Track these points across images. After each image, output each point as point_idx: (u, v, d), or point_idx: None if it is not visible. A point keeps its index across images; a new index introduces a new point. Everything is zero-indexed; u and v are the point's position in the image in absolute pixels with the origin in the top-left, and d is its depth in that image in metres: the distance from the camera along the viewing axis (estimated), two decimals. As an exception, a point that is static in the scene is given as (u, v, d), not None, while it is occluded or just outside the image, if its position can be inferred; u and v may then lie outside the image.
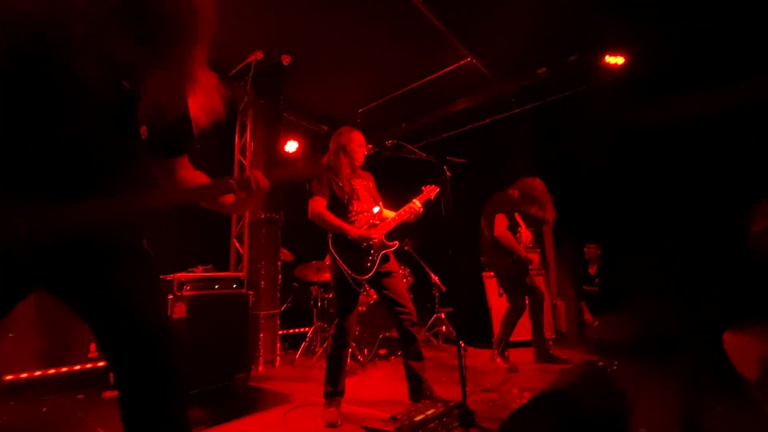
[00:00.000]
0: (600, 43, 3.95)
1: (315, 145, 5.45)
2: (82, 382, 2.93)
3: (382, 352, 3.80)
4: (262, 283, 3.73)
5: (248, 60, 3.93)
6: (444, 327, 4.42)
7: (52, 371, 2.87)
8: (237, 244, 4.05)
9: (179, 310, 2.63)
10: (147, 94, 0.99)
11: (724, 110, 3.18)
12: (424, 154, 2.08)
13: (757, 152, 3.06)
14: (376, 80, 4.71)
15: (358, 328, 3.53)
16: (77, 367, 3.00)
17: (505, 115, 4.71)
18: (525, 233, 3.36)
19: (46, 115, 0.89)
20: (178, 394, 0.98)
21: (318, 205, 2.25)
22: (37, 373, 2.82)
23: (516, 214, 3.38)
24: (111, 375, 2.94)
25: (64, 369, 2.93)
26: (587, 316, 4.41)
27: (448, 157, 2.01)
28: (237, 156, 4.27)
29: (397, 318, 2.27)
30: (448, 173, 2.01)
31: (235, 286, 3.04)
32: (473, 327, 4.17)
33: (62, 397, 2.75)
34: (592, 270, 4.51)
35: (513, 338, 3.26)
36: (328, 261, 4.17)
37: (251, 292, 3.16)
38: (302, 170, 1.24)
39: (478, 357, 3.59)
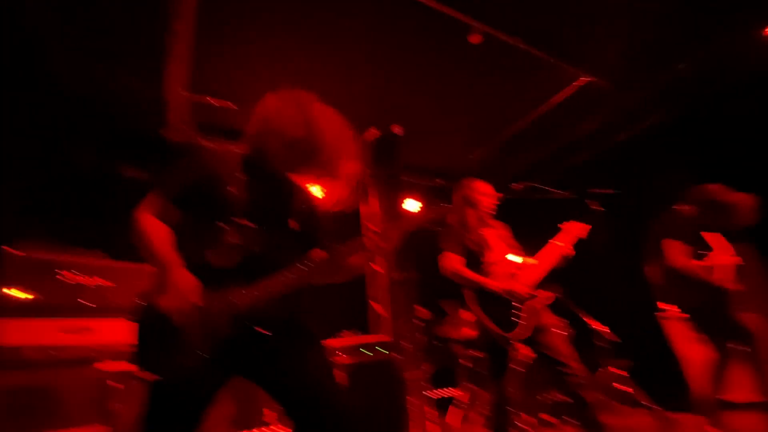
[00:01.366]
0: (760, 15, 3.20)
1: (433, 199, 5.55)
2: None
3: (549, 419, 3.30)
4: (405, 344, 3.73)
5: (365, 138, 4.38)
6: (627, 387, 3.65)
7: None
8: (374, 306, 4.20)
9: (339, 378, 2.76)
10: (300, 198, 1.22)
11: None
12: (562, 192, 1.89)
13: None
14: (485, 123, 4.68)
15: (518, 391, 3.17)
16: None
17: (642, 127, 4.07)
18: (724, 257, 2.61)
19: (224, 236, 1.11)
20: None
21: (451, 261, 2.20)
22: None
23: (709, 235, 2.67)
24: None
25: (249, 434, 3.32)
26: None
27: (590, 190, 1.78)
28: (364, 223, 4.61)
29: (560, 379, 1.97)
30: (599, 208, 1.76)
31: (382, 350, 3.10)
32: (664, 384, 3.33)
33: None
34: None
35: (735, 398, 2.47)
36: (465, 316, 4.00)
37: (400, 356, 3.17)
38: (421, 217, 1.32)
39: (679, 425, 2.81)
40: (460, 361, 3.97)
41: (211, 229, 1.12)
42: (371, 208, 4.57)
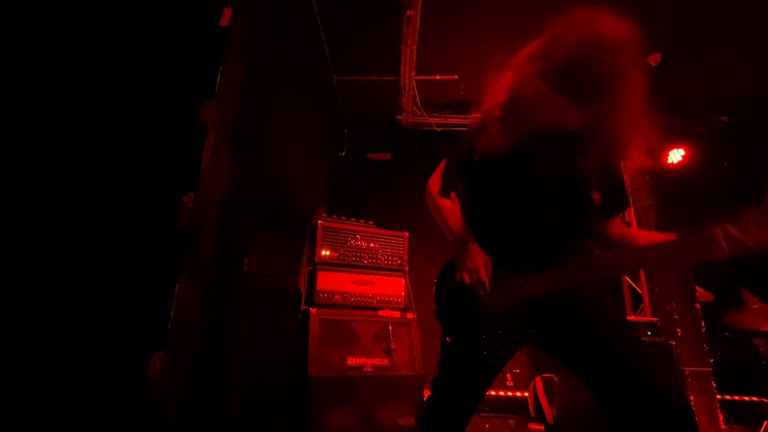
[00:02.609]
0: None
1: (712, 146, 4.14)
2: (506, 407, 3.38)
3: None
4: (679, 330, 3.02)
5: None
6: None
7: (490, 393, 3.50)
8: (631, 283, 3.57)
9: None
10: (593, 159, 1.00)
11: None
12: None
13: None
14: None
15: None
16: (500, 393, 3.50)
17: None
18: None
19: (516, 209, 1.07)
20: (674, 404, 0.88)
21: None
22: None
23: None
24: (530, 407, 3.21)
25: (492, 393, 3.52)
26: None
27: None
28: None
29: None
30: None
31: (649, 333, 2.60)
32: None
33: (497, 417, 3.24)
34: None
35: None
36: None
37: (672, 342, 2.60)
38: None
39: None
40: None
41: (500, 200, 1.10)
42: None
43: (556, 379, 2.84)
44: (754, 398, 3.17)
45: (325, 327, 2.49)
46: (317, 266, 2.68)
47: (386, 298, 2.79)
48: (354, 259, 2.79)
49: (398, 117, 4.21)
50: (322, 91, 3.67)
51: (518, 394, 3.47)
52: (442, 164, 1.22)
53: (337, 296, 2.68)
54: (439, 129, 4.15)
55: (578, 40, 0.92)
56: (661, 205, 3.60)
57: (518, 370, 3.52)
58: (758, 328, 2.89)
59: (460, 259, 1.07)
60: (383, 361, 2.55)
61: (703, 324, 3.04)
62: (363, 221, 2.95)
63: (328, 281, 2.70)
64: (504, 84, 1.09)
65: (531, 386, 3.24)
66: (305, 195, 3.05)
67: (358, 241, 2.85)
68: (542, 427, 2.99)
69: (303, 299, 2.75)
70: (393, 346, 2.59)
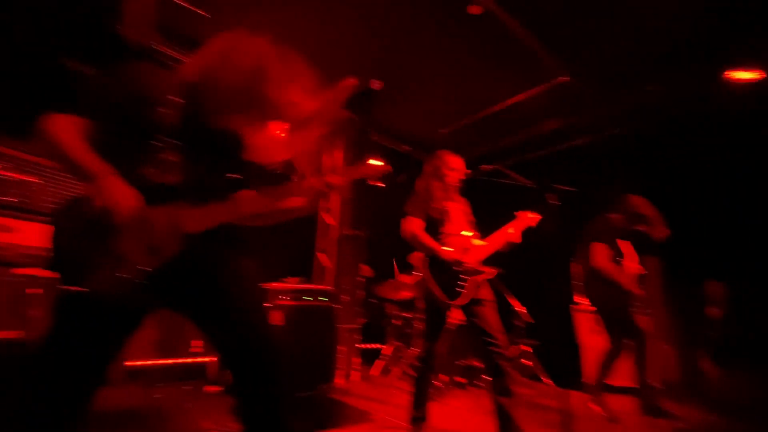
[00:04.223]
0: (721, 59, 3.50)
1: (397, 164, 5.56)
2: (187, 374, 3.27)
3: (461, 380, 3.66)
4: (345, 297, 3.85)
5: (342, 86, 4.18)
6: (529, 362, 4.13)
7: (164, 361, 3.24)
8: (322, 258, 4.24)
9: (277, 319, 2.81)
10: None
11: None
12: (527, 181, 2.00)
13: None
14: (462, 100, 4.70)
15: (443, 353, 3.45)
16: (183, 360, 3.35)
17: (609, 135, 4.37)
18: (631, 264, 3.00)
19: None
20: (284, 392, 1.06)
21: (413, 225, 2.28)
22: (152, 362, 3.21)
23: (622, 243, 3.05)
24: (211, 371, 3.23)
25: (173, 360, 3.30)
26: (705, 366, 3.80)
27: (554, 185, 1.90)
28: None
29: (486, 349, 2.17)
30: (554, 202, 1.90)
31: (324, 299, 3.17)
32: (561, 364, 3.83)
33: (172, 386, 3.07)
34: (713, 312, 3.90)
35: (616, 383, 2.92)
36: (408, 281, 4.20)
37: (339, 306, 3.28)
38: (371, 169, 1.34)
39: (566, 398, 3.27)
40: (393, 320, 4.21)
41: (141, 146, 1.01)
42: (337, 157, 4.48)
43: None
44: (380, 345, 4.45)
45: None
46: None
47: (33, 252, 2.08)
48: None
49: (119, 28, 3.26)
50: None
51: (203, 359, 3.42)
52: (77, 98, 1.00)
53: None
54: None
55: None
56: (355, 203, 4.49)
57: (207, 336, 3.47)
58: (389, 296, 4.12)
59: (97, 194, 0.90)
60: (17, 334, 1.90)
61: (360, 294, 4.01)
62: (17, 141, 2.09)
63: None
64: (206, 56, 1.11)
65: (215, 350, 3.27)
66: None
67: (-5, 168, 1.99)
68: (220, 388, 3.07)
69: None
70: (31, 314, 1.96)
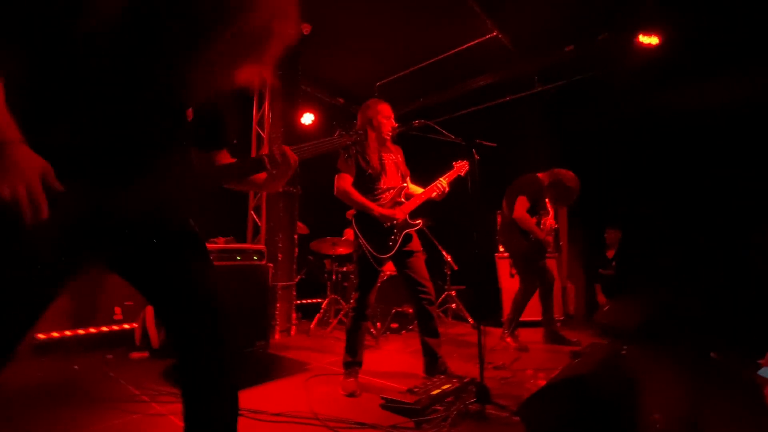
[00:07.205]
0: (632, 22, 3.78)
1: (331, 117, 5.41)
2: (109, 343, 3.08)
3: (394, 326, 3.90)
4: (280, 255, 3.81)
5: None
6: (454, 304, 4.51)
7: (81, 331, 3.01)
8: (255, 217, 4.10)
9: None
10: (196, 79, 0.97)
11: (761, 97, 3.07)
12: (453, 136, 2.06)
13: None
14: (395, 53, 4.60)
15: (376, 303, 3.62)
16: (104, 329, 3.14)
17: (529, 93, 4.59)
18: (548, 219, 3.33)
19: (98, 102, 0.88)
20: (231, 357, 1.04)
21: (344, 182, 2.26)
22: (68, 332, 2.97)
23: (546, 199, 3.35)
24: (137, 337, 3.08)
25: (92, 330, 3.08)
26: (600, 299, 4.48)
27: (477, 140, 1.99)
28: (255, 128, 4.25)
29: (416, 297, 2.33)
30: (476, 156, 1.99)
31: (255, 258, 3.11)
32: (483, 306, 4.25)
33: (92, 356, 2.89)
34: (610, 254, 4.53)
35: (523, 318, 3.33)
36: (345, 236, 4.25)
37: (271, 264, 3.24)
38: (330, 142, 1.24)
39: (487, 335, 3.68)
40: (330, 275, 4.29)
41: (59, 79, 0.79)
42: (265, 111, 4.21)
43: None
44: (320, 300, 4.53)
45: None
46: None
47: None
48: None
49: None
50: None
51: (126, 326, 3.25)
52: None
53: None
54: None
55: None
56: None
57: (131, 303, 3.27)
58: (325, 251, 4.16)
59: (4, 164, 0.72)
60: None
61: (296, 251, 3.99)
62: None
63: None
64: None
65: (141, 315, 3.11)
66: None
67: None
68: (146, 354, 2.96)
69: None
70: None
